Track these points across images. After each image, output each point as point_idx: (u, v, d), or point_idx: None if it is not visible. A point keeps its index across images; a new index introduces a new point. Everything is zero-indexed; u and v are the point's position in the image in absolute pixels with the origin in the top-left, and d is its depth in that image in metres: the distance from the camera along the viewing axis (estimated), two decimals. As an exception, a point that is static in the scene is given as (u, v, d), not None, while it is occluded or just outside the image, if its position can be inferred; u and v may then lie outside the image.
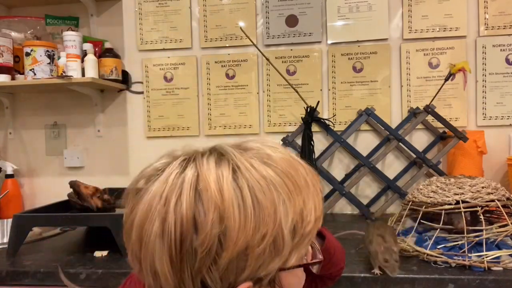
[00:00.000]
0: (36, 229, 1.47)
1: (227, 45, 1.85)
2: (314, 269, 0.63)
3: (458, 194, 1.11)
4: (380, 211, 1.63)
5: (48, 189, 1.98)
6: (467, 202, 1.09)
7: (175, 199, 0.45)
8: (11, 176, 1.90)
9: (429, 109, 1.62)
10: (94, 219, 1.29)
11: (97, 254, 1.23)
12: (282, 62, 1.82)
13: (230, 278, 0.45)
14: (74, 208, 1.39)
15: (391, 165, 1.76)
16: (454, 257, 1.04)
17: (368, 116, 1.66)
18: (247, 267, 0.45)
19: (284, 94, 1.82)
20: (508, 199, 1.13)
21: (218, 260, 0.44)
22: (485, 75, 1.71)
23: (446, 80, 1.58)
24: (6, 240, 1.43)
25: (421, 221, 1.14)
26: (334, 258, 0.78)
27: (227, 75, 1.86)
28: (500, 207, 1.09)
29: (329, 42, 1.79)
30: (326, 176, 1.65)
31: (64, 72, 1.69)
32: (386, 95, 1.76)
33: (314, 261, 0.56)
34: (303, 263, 0.51)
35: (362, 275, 1.01)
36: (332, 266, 0.80)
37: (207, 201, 0.44)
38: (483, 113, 1.72)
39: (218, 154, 0.49)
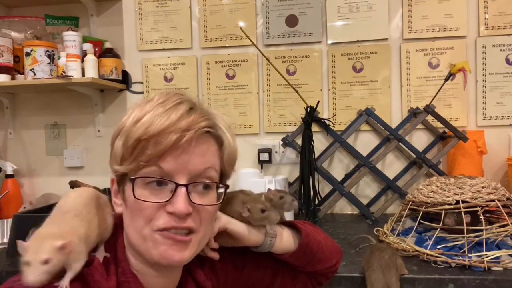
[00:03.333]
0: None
1: (227, 45, 1.85)
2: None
3: (458, 194, 1.11)
4: (380, 211, 1.63)
5: (48, 189, 1.97)
6: (467, 202, 1.09)
7: None
8: (11, 176, 1.90)
9: (429, 109, 1.62)
10: (94, 219, 1.28)
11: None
12: (282, 62, 1.82)
13: None
14: (74, 208, 1.38)
15: (391, 165, 1.76)
16: (454, 257, 1.04)
17: (368, 116, 1.66)
18: None
19: (284, 94, 1.81)
20: (508, 199, 1.13)
21: None
22: (485, 75, 1.71)
23: (446, 80, 1.58)
24: (6, 240, 1.42)
25: (421, 221, 1.14)
26: (318, 255, 0.78)
27: (227, 75, 1.86)
28: (500, 207, 1.09)
29: (329, 42, 1.79)
30: (326, 176, 1.65)
31: (64, 72, 1.69)
32: (386, 95, 1.76)
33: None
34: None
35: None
36: (318, 263, 0.80)
37: None
38: (483, 113, 1.72)
39: None
